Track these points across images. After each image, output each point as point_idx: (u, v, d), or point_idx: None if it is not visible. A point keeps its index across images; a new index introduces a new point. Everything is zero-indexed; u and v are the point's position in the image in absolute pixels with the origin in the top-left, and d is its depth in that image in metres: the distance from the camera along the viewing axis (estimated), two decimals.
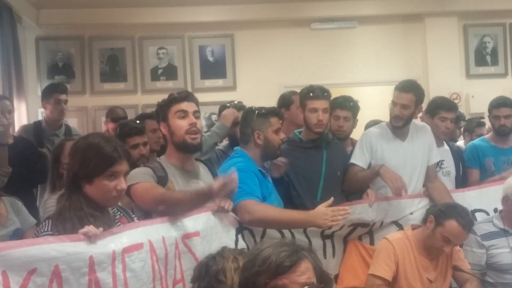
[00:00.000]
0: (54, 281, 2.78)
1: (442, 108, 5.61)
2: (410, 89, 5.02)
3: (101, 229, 2.99)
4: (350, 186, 5.01)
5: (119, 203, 3.49)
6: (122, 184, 3.13)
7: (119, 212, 3.37)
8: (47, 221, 3.07)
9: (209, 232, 3.79)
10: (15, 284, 2.68)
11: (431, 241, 4.30)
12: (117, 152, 3.12)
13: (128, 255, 3.10)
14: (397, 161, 4.97)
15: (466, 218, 4.27)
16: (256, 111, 4.55)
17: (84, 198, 3.07)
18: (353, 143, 5.55)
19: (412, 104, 4.98)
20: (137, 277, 3.12)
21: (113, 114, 7.22)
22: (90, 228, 2.93)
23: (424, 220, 4.45)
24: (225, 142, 5.25)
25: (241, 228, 4.09)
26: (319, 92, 4.83)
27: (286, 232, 4.32)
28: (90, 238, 2.92)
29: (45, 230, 3.01)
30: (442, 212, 4.33)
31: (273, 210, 4.19)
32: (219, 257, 3.03)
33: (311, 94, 4.83)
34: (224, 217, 3.96)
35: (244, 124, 4.57)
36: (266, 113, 4.50)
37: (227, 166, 4.27)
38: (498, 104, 5.91)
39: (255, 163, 4.43)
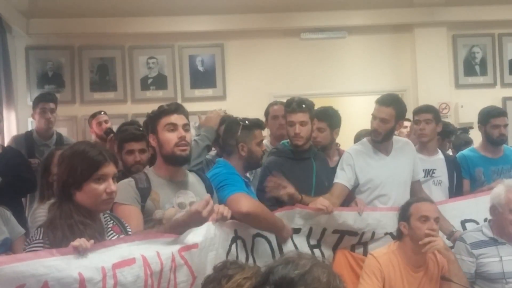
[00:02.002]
0: None
1: (415, 112, 5.76)
2: (390, 103, 5.02)
3: (92, 241, 2.97)
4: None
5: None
6: (111, 186, 3.14)
7: (112, 221, 3.36)
8: (38, 229, 3.07)
9: (208, 243, 3.74)
10: None
11: (416, 238, 4.35)
12: (102, 155, 3.14)
13: (119, 270, 3.06)
14: (384, 175, 5.01)
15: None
16: (241, 123, 4.55)
17: (74, 207, 3.07)
18: (340, 153, 5.57)
19: (391, 119, 4.97)
20: None
21: (93, 114, 7.54)
22: (81, 242, 2.90)
23: (399, 235, 4.53)
24: (213, 151, 5.26)
25: (236, 238, 4.08)
26: (295, 105, 4.87)
27: (273, 241, 4.36)
28: (80, 252, 2.89)
29: (37, 238, 3.01)
30: (403, 209, 4.56)
31: (263, 207, 4.26)
32: (237, 266, 3.03)
33: (288, 108, 4.91)
34: (223, 225, 3.94)
35: (228, 135, 4.57)
36: (250, 126, 4.51)
37: (210, 176, 4.32)
38: (498, 113, 5.96)
39: (238, 173, 4.43)
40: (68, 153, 3.18)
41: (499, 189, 4.65)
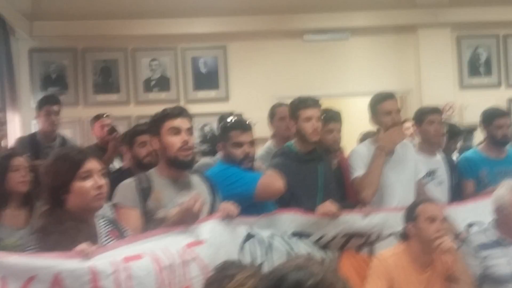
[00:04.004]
0: None
1: (427, 112, 5.73)
2: (394, 96, 5.23)
3: (95, 247, 3.01)
4: (370, 191, 4.97)
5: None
6: (99, 181, 3.15)
7: (109, 225, 3.36)
8: (31, 236, 3.09)
9: (217, 239, 3.78)
10: None
11: (423, 239, 4.32)
12: (82, 153, 3.20)
13: (132, 263, 3.11)
14: (391, 177, 5.00)
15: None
16: (221, 124, 4.58)
17: (65, 213, 3.07)
18: (337, 156, 5.57)
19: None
20: (142, 284, 3.12)
21: (96, 116, 7.46)
22: (85, 247, 2.94)
23: (405, 236, 4.50)
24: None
25: (249, 236, 4.09)
26: (311, 101, 4.85)
27: (289, 244, 4.35)
28: (86, 256, 2.93)
29: (30, 245, 3.02)
30: (409, 210, 4.48)
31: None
32: (237, 265, 3.03)
33: (303, 104, 4.84)
34: (232, 223, 3.97)
35: (215, 135, 4.63)
36: (227, 127, 4.52)
37: (211, 173, 4.40)
38: (502, 114, 5.95)
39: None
40: (50, 160, 3.21)
41: (502, 190, 4.63)
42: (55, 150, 3.48)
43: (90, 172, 3.13)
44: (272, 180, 4.35)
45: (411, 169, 5.18)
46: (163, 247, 3.36)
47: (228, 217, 3.90)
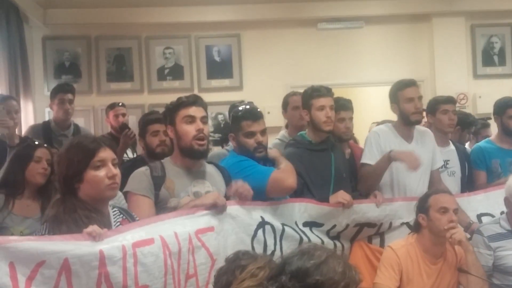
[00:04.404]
0: (62, 274, 2.81)
1: (441, 102, 5.69)
2: (415, 83, 5.22)
3: (105, 229, 3.02)
4: (366, 184, 5.03)
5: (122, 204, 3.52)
6: (112, 170, 3.15)
7: (121, 215, 3.38)
8: (44, 225, 3.09)
9: (225, 227, 3.82)
10: (22, 275, 2.71)
11: (435, 230, 4.34)
12: (96, 142, 3.18)
13: (140, 249, 3.13)
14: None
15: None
16: (232, 114, 4.56)
17: (78, 201, 3.08)
18: (350, 145, 5.58)
19: None
20: (148, 272, 3.14)
21: (111, 105, 7.41)
22: (94, 228, 2.95)
23: (417, 226, 4.51)
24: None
25: (263, 223, 4.12)
26: (324, 90, 4.85)
27: (302, 233, 4.40)
28: (95, 238, 2.93)
29: (42, 233, 3.03)
30: (421, 201, 4.52)
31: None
32: (249, 256, 3.03)
33: (316, 93, 4.82)
34: (246, 210, 4.02)
35: (228, 124, 4.61)
36: (237, 117, 4.48)
37: (225, 163, 4.39)
38: None
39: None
40: (64, 149, 3.21)
41: (510, 180, 4.63)
42: (69, 139, 3.47)
43: (104, 161, 3.13)
44: (284, 176, 4.29)
45: (429, 158, 5.17)
46: (173, 233, 3.39)
47: (242, 198, 3.95)
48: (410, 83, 5.17)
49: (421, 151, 5.08)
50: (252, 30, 9.39)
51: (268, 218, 4.19)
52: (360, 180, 5.11)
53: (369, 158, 5.05)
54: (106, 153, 3.16)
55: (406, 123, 5.13)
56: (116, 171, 3.19)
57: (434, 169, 5.23)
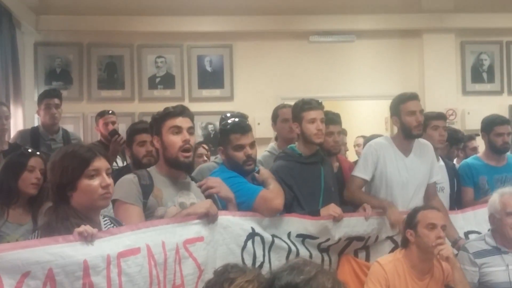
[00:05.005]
0: (48, 284, 2.79)
1: (432, 118, 5.72)
2: (417, 96, 5.22)
3: (96, 230, 3.01)
4: (352, 199, 5.06)
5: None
6: (106, 180, 3.14)
7: (111, 224, 3.37)
8: (36, 232, 3.08)
9: (215, 237, 3.82)
10: (8, 286, 2.68)
11: (423, 246, 4.35)
12: (91, 151, 3.16)
13: (124, 260, 3.12)
14: (399, 177, 5.05)
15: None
16: (220, 127, 4.57)
17: (70, 209, 3.07)
18: (338, 159, 5.59)
19: None
20: (132, 282, 3.13)
21: (101, 112, 7.35)
22: (86, 228, 2.94)
23: (405, 242, 4.51)
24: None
25: (253, 234, 4.14)
26: (315, 102, 4.86)
27: (291, 244, 4.42)
28: (86, 238, 2.93)
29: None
30: (409, 217, 4.52)
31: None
32: (238, 269, 3.03)
33: (307, 106, 4.83)
34: (238, 221, 4.03)
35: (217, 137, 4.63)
36: (226, 130, 4.49)
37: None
38: (502, 121, 5.94)
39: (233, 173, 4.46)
40: (58, 156, 3.18)
41: (494, 197, 4.69)
42: (63, 147, 3.44)
43: (98, 171, 3.13)
44: (272, 197, 4.33)
45: (426, 172, 5.20)
46: (161, 242, 3.39)
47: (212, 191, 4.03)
48: (412, 97, 5.19)
49: (418, 164, 5.13)
50: (244, 41, 9.42)
51: (258, 229, 4.21)
52: (348, 191, 5.12)
53: (363, 172, 5.08)
54: (100, 163, 3.15)
55: (407, 136, 5.15)
56: (110, 181, 3.18)
57: (430, 183, 5.25)
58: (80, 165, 3.10)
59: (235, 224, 4.02)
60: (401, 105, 5.15)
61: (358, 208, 4.92)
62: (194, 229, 3.67)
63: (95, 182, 3.11)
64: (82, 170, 3.09)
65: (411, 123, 5.07)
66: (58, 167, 3.12)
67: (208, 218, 3.78)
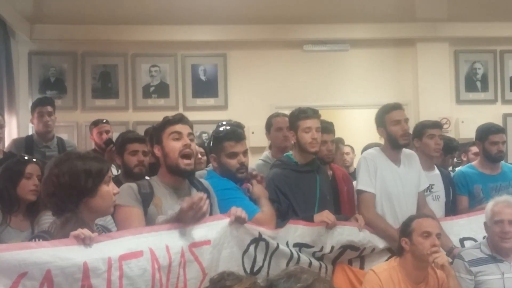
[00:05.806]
0: (44, 285, 2.77)
1: (428, 126, 5.72)
2: (401, 106, 5.26)
3: (95, 233, 3.00)
4: (375, 225, 4.93)
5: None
6: (116, 187, 3.22)
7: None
8: (36, 238, 3.06)
9: (221, 240, 3.81)
10: (3, 286, 2.67)
11: (418, 254, 4.35)
12: (105, 160, 3.27)
13: (126, 262, 3.10)
14: (396, 187, 5.05)
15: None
16: (213, 134, 4.57)
17: (74, 216, 3.05)
18: (331, 167, 5.58)
19: None
20: (134, 285, 3.11)
21: (95, 122, 7.35)
22: (83, 231, 2.92)
23: (400, 250, 4.51)
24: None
25: (258, 239, 4.13)
26: (311, 111, 4.87)
27: (294, 251, 4.42)
28: (84, 241, 2.91)
29: None
30: (404, 225, 4.53)
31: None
32: (234, 277, 3.02)
33: (303, 114, 4.85)
34: (241, 228, 3.99)
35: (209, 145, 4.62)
36: (219, 137, 4.50)
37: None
38: (497, 130, 5.96)
39: (229, 181, 4.45)
40: (77, 161, 3.12)
41: (488, 205, 4.72)
42: (71, 152, 3.39)
43: (110, 178, 3.20)
44: (267, 222, 4.32)
45: (417, 181, 5.21)
46: (164, 246, 3.37)
47: (238, 222, 3.94)
48: (396, 106, 5.21)
49: (409, 174, 5.14)
50: (238, 50, 9.42)
51: (266, 235, 4.20)
52: (368, 213, 4.97)
53: (370, 185, 5.04)
54: (110, 171, 3.24)
55: (394, 146, 5.15)
56: (118, 189, 3.26)
57: (419, 191, 5.25)
58: (102, 170, 3.13)
59: (243, 228, 4.00)
60: (386, 116, 5.16)
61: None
62: (201, 232, 3.65)
63: (112, 189, 3.18)
64: (104, 175, 3.13)
65: (397, 132, 5.08)
66: (81, 171, 3.08)
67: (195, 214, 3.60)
